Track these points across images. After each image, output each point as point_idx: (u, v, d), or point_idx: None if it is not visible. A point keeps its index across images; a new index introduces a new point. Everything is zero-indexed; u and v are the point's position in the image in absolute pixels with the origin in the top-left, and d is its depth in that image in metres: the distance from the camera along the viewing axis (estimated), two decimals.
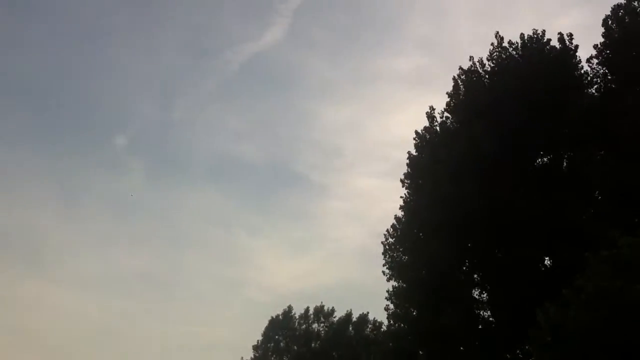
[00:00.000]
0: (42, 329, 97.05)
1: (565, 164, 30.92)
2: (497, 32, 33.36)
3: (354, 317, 62.16)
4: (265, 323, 65.80)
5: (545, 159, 31.18)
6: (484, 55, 33.72)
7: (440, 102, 35.25)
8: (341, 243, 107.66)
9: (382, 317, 60.35)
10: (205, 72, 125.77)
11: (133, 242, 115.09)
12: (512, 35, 33.36)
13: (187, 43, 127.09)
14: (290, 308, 65.65)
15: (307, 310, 64.37)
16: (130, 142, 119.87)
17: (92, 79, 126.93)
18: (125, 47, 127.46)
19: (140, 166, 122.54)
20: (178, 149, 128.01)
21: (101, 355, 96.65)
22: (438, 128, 35.01)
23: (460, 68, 34.02)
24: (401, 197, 35.96)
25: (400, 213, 35.87)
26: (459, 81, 34.00)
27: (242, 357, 65.43)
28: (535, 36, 32.38)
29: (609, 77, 30.67)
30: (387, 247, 36.00)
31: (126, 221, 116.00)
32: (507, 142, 30.75)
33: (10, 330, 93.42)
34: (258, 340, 65.32)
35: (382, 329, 54.43)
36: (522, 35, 32.77)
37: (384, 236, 36.19)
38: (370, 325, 60.79)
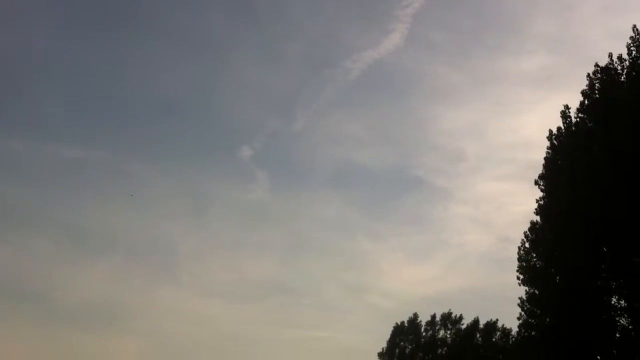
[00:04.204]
0: (175, 332, 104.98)
1: None
2: (635, 26, 33.36)
3: (481, 324, 62.94)
4: (389, 328, 67.91)
5: None
6: (618, 51, 33.89)
7: (570, 102, 35.83)
8: (465, 248, 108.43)
9: (510, 324, 60.91)
10: (325, 81, 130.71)
11: (259, 250, 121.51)
12: None
13: (308, 55, 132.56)
14: (415, 315, 67.35)
15: (433, 316, 65.83)
16: (255, 153, 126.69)
17: (219, 94, 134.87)
18: (250, 62, 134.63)
19: (265, 176, 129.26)
20: (300, 158, 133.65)
21: (230, 359, 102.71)
22: (573, 128, 35.58)
23: (597, 65, 34.32)
24: (536, 200, 36.90)
25: (535, 217, 36.87)
26: (594, 79, 34.34)
27: None
28: None
29: None
30: (522, 251, 36.96)
31: (252, 229, 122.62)
32: None
33: (146, 334, 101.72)
34: (383, 348, 67.43)
35: (511, 337, 55.11)
36: None
37: (520, 241, 37.30)
38: (499, 333, 61.26)
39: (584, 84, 35.17)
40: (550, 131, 36.48)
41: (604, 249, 32.63)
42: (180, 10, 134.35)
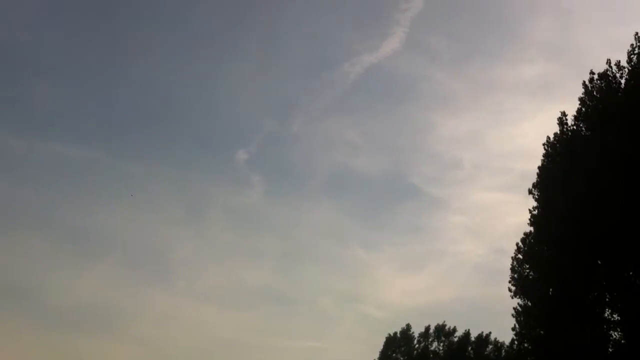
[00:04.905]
0: (170, 338, 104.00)
1: None
2: (637, 33, 32.85)
3: (473, 336, 62.49)
4: (382, 339, 67.26)
5: None
6: (617, 59, 33.46)
7: (567, 110, 35.32)
8: (459, 258, 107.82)
9: (501, 336, 60.40)
10: (323, 84, 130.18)
11: (254, 256, 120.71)
12: None
13: (306, 56, 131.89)
14: (408, 326, 66.66)
15: (427, 328, 65.18)
16: (250, 156, 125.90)
17: (217, 97, 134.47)
18: (247, 64, 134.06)
19: (260, 180, 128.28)
20: (296, 163, 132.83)
21: None
22: (569, 135, 34.94)
23: (592, 72, 33.88)
24: (529, 210, 36.21)
25: (528, 228, 36.21)
26: (590, 86, 33.78)
27: None
28: None
29: None
30: (515, 262, 36.30)
31: (246, 235, 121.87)
32: None
33: (141, 339, 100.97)
34: (375, 359, 66.70)
35: (504, 350, 54.42)
36: None
37: (514, 251, 36.63)
38: (491, 346, 60.80)
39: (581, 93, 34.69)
40: (548, 138, 35.87)
41: (598, 261, 31.91)
42: (181, 14, 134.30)
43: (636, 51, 32.76)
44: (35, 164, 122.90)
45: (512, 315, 36.18)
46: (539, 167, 36.31)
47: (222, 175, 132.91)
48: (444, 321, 64.60)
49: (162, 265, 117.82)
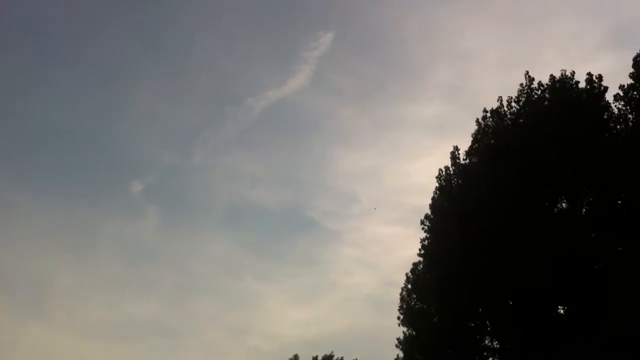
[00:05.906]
0: None
1: (585, 209, 31.04)
2: (527, 72, 34.16)
3: None
4: None
5: (565, 204, 31.53)
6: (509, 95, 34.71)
7: (462, 148, 36.24)
8: (352, 290, 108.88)
9: None
10: (226, 118, 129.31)
11: (143, 288, 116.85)
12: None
13: (211, 91, 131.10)
14: (296, 357, 65.76)
15: (314, 358, 64.48)
16: (146, 187, 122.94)
17: (118, 127, 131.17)
18: (147, 94, 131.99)
19: (156, 212, 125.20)
20: (194, 195, 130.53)
21: None
22: (461, 169, 35.79)
23: (485, 110, 34.96)
24: (420, 239, 36.66)
25: (418, 258, 36.66)
26: (483, 123, 34.85)
27: None
28: (563, 78, 33.10)
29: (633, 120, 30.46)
30: (404, 292, 36.59)
31: (137, 267, 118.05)
32: (531, 185, 31.27)
33: None
34: None
35: None
36: (551, 77, 33.51)
37: (403, 282, 36.95)
38: None
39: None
40: (440, 170, 36.54)
41: (481, 290, 32.49)
42: (86, 41, 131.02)
43: (525, 89, 34.14)
44: None
45: (396, 345, 36.38)
46: (432, 199, 36.85)
47: (114, 206, 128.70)
48: (332, 351, 64.13)
49: (40, 295, 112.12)
